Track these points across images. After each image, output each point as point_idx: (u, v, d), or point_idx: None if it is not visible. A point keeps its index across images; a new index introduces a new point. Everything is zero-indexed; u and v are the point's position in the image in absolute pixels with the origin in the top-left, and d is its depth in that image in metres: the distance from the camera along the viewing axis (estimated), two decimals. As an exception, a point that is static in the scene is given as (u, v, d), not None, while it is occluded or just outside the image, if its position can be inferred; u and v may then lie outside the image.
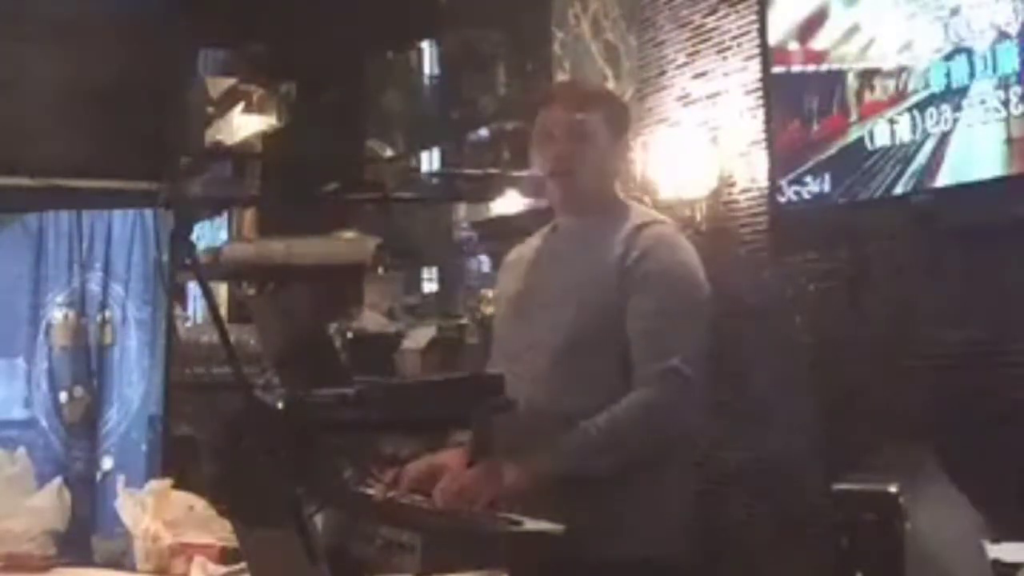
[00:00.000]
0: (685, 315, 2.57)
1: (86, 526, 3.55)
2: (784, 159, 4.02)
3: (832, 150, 3.81)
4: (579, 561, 2.44)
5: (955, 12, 3.41)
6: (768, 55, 4.10)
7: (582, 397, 2.53)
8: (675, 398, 2.51)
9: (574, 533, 2.38)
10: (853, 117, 3.74)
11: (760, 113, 4.19)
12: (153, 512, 2.98)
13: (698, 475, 2.74)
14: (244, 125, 7.16)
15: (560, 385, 2.58)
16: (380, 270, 6.25)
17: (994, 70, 3.29)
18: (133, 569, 2.99)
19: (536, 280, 2.76)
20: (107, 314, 4.25)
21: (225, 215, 7.39)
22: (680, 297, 2.58)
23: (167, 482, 3.13)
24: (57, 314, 4.25)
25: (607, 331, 2.56)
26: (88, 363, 4.23)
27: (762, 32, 4.13)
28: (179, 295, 6.37)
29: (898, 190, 3.60)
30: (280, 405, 4.45)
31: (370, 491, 2.72)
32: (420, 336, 5.37)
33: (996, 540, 2.64)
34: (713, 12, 4.48)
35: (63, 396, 4.20)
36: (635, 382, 2.53)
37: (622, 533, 2.51)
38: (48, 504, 3.19)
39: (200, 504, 3.01)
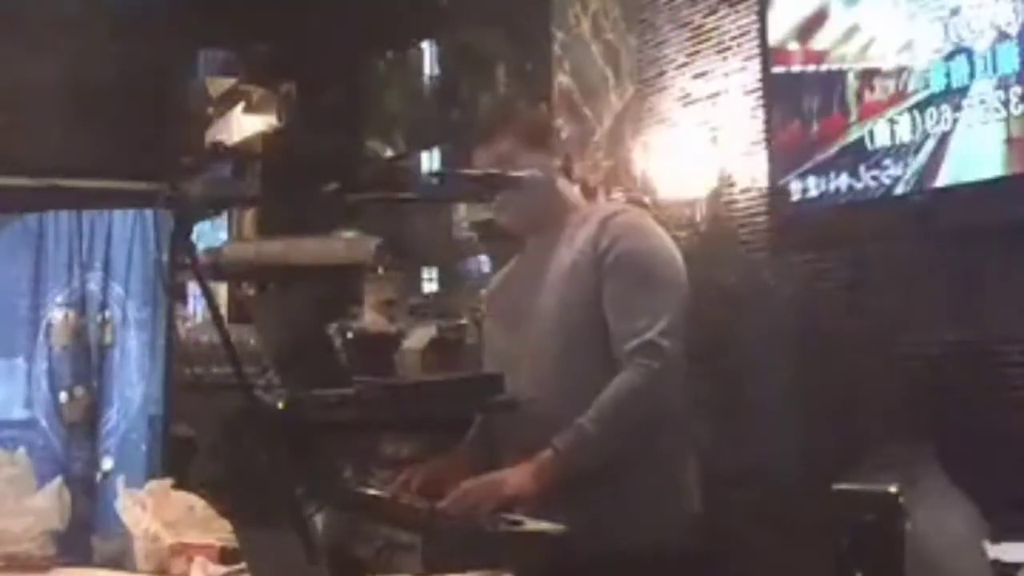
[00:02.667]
0: (658, 290, 2.59)
1: (86, 526, 3.54)
2: (784, 159, 4.02)
3: (832, 150, 3.82)
4: (581, 556, 2.44)
5: (955, 12, 3.41)
6: (768, 55, 4.10)
7: (584, 396, 2.54)
8: (656, 371, 2.52)
9: (575, 529, 2.39)
10: (853, 117, 3.75)
11: (760, 113, 4.19)
12: (153, 512, 2.98)
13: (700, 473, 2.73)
14: (244, 125, 7.16)
15: (562, 387, 2.60)
16: (380, 270, 6.25)
17: (994, 70, 3.30)
18: (133, 569, 2.98)
19: (519, 295, 2.80)
20: (107, 314, 4.24)
21: (225, 215, 7.38)
22: (652, 273, 2.61)
23: (167, 482, 3.13)
24: (57, 314, 4.24)
25: (596, 327, 2.59)
26: (88, 363, 4.22)
27: (762, 32, 4.13)
28: (179, 295, 6.36)
29: (898, 190, 3.60)
30: (280, 405, 4.45)
31: (371, 491, 2.72)
32: (420, 336, 5.37)
33: (996, 540, 2.64)
34: (713, 12, 4.48)
35: (63, 396, 4.19)
36: (619, 365, 2.55)
37: (618, 526, 2.51)
38: (48, 504, 3.19)
39: (200, 504, 3.01)
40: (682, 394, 2.61)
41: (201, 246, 6.63)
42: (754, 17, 4.22)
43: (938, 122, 3.46)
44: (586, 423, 2.51)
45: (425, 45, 6.55)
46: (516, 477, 2.50)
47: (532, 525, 2.39)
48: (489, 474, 2.56)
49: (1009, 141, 3.26)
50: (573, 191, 2.88)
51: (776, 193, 4.07)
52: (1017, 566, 2.59)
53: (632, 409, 2.53)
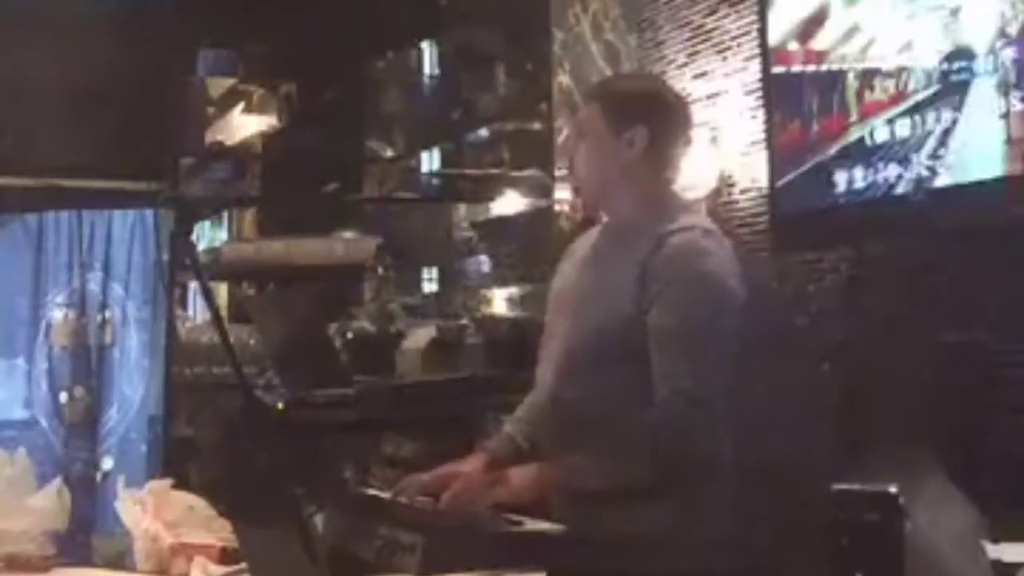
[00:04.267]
0: (706, 332, 2.46)
1: (86, 526, 3.54)
2: (784, 159, 4.02)
3: (832, 150, 3.82)
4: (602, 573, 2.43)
5: (955, 12, 3.41)
6: (768, 55, 4.10)
7: (603, 404, 2.49)
8: (683, 422, 2.42)
9: (595, 544, 2.38)
10: (853, 117, 3.75)
11: (760, 113, 4.19)
12: (153, 512, 2.98)
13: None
14: (244, 125, 7.16)
15: (582, 391, 2.53)
16: (380, 270, 6.25)
17: (994, 70, 3.30)
18: (133, 569, 2.98)
19: (576, 279, 2.68)
20: (107, 314, 4.23)
21: (225, 215, 7.39)
22: (701, 313, 2.46)
23: (167, 482, 3.13)
24: (57, 314, 4.23)
25: (628, 342, 2.46)
26: (88, 363, 4.22)
27: (762, 32, 4.13)
28: (179, 295, 6.36)
29: (898, 190, 3.60)
30: (280, 405, 4.46)
31: (371, 491, 2.72)
32: (420, 336, 5.37)
33: (996, 540, 2.64)
34: (713, 12, 4.48)
35: (63, 396, 4.19)
36: (654, 400, 2.45)
37: (642, 546, 2.46)
38: (48, 504, 3.19)
39: (200, 504, 3.01)
40: (711, 435, 2.50)
41: (201, 246, 6.63)
42: (754, 17, 4.22)
43: (938, 122, 3.46)
44: (603, 449, 2.45)
45: (425, 45, 6.55)
46: (518, 479, 2.47)
47: (532, 525, 2.39)
48: (490, 473, 2.54)
49: (1009, 141, 3.26)
50: (659, 178, 2.63)
51: (776, 193, 4.07)
52: (1017, 566, 2.58)
53: (649, 450, 2.43)
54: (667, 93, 2.71)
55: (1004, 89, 3.27)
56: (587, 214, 2.75)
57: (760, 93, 4.20)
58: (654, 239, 2.50)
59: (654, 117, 2.62)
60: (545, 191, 5.30)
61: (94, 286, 4.25)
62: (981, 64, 3.33)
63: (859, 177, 3.72)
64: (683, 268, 2.48)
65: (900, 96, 3.59)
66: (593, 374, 2.51)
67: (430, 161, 6.63)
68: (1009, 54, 3.26)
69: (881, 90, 3.65)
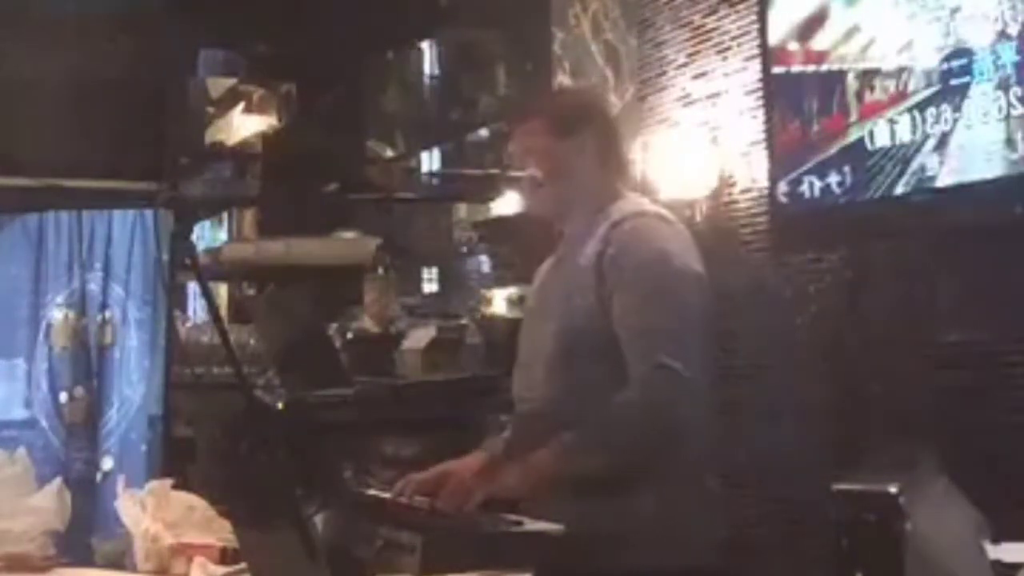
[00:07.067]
0: (669, 307, 2.48)
1: (86, 526, 3.54)
2: (784, 159, 4.02)
3: (832, 150, 3.82)
4: (589, 570, 2.43)
5: (955, 12, 3.41)
6: (768, 55, 4.10)
7: (580, 404, 2.51)
8: (665, 395, 2.43)
9: (584, 541, 2.38)
10: (853, 117, 3.75)
11: (760, 113, 4.19)
12: (153, 512, 2.98)
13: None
14: (244, 125, 7.15)
15: (559, 394, 2.56)
16: (380, 270, 6.25)
17: (994, 70, 3.30)
18: (133, 569, 2.98)
19: (543, 289, 2.76)
20: (107, 314, 4.24)
21: (225, 215, 7.39)
22: (661, 290, 2.49)
23: (167, 482, 3.13)
24: (57, 314, 4.24)
25: (597, 336, 2.51)
26: (88, 363, 4.23)
27: (762, 32, 4.13)
28: (179, 295, 6.36)
29: (898, 190, 3.60)
30: (280, 405, 4.46)
31: (371, 491, 2.72)
32: (420, 336, 5.37)
33: (996, 540, 2.64)
34: (713, 12, 4.48)
35: (63, 396, 4.20)
36: (629, 381, 2.48)
37: (631, 541, 2.47)
38: (48, 504, 3.19)
39: (200, 504, 3.01)
40: (695, 409, 2.49)
41: (201, 246, 6.63)
42: (754, 17, 4.22)
43: (938, 122, 3.46)
44: (585, 431, 2.46)
45: (425, 45, 6.55)
46: (509, 472, 2.50)
47: (532, 525, 2.39)
48: (483, 468, 2.56)
49: (1009, 141, 3.26)
50: (609, 181, 2.70)
51: (776, 193, 4.07)
52: (1017, 566, 2.58)
53: (635, 426, 2.45)
54: (601, 101, 2.79)
55: (1004, 89, 3.26)
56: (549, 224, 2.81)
57: (760, 93, 4.20)
58: (606, 230, 2.57)
59: (596, 121, 2.73)
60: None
61: (94, 286, 4.26)
62: (981, 64, 3.33)
63: (859, 177, 3.72)
64: (638, 250, 2.53)
65: (900, 96, 3.59)
66: (567, 374, 2.54)
67: (430, 161, 6.63)
68: (1009, 54, 3.26)
69: (881, 90, 3.65)
